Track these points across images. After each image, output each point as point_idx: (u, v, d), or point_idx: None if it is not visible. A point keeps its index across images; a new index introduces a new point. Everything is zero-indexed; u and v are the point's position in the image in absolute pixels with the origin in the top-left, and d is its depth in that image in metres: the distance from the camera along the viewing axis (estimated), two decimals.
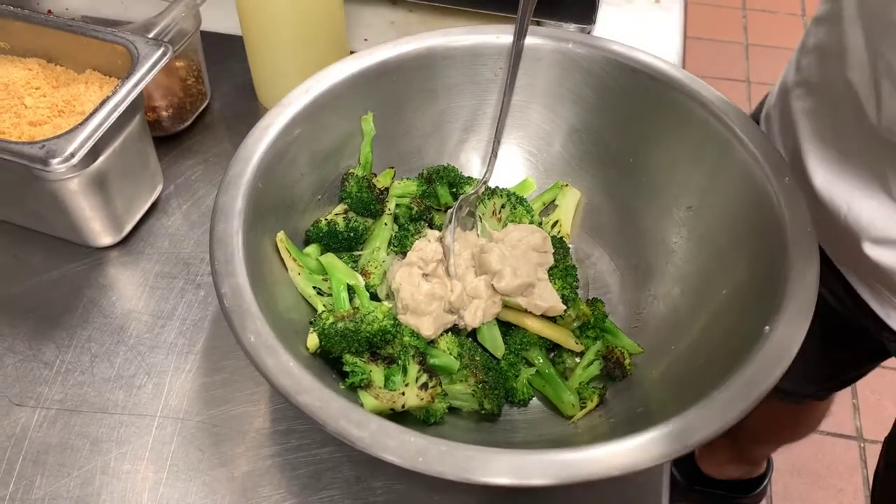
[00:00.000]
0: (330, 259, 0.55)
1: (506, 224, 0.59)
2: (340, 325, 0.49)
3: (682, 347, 0.52)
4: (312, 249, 0.56)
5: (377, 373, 0.49)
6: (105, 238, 0.62)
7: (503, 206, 0.60)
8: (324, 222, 0.56)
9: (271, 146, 0.52)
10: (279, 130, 0.53)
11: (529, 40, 0.59)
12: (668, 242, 0.58)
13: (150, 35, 0.60)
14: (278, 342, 0.42)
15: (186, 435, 0.52)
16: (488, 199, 0.60)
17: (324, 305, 0.53)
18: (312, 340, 0.50)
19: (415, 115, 0.62)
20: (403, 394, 0.48)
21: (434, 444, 0.38)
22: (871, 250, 0.62)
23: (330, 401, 0.40)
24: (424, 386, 0.48)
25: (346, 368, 0.49)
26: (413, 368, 0.49)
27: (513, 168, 0.64)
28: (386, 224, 0.58)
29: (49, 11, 0.67)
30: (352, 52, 0.59)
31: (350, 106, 0.58)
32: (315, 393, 0.40)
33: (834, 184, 0.63)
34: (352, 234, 0.57)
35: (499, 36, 0.60)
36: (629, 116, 0.59)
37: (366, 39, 0.81)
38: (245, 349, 0.42)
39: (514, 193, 0.61)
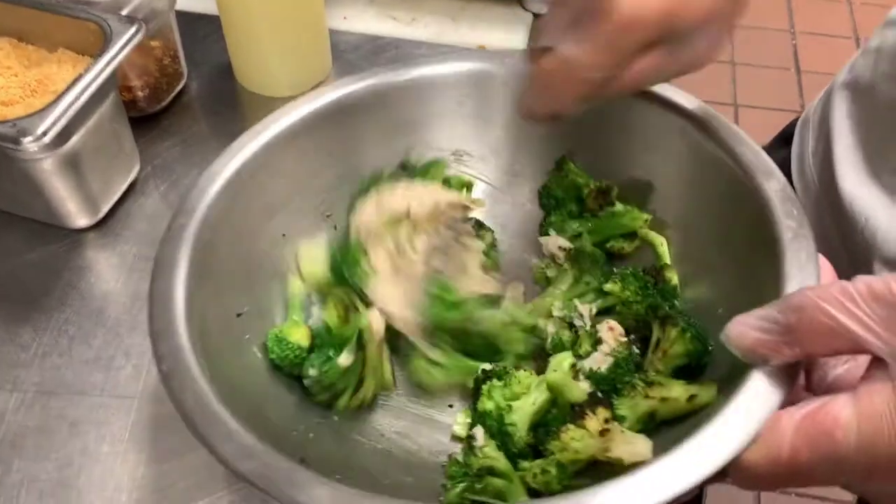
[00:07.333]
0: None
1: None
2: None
3: None
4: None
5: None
6: (81, 219, 0.61)
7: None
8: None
9: (219, 196, 0.48)
10: (227, 179, 0.49)
11: (494, 66, 0.55)
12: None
13: (123, 12, 0.59)
14: (222, 406, 0.39)
15: (167, 416, 0.52)
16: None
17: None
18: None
19: (374, 153, 0.56)
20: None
21: None
22: (881, 270, 0.56)
23: (277, 467, 0.37)
24: None
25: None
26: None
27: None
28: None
29: None
30: (330, 31, 0.57)
31: (307, 146, 0.53)
32: (260, 459, 0.37)
33: (858, 192, 0.58)
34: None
35: (460, 64, 0.55)
36: (609, 131, 0.55)
37: (345, 17, 0.80)
38: (183, 415, 0.39)
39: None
